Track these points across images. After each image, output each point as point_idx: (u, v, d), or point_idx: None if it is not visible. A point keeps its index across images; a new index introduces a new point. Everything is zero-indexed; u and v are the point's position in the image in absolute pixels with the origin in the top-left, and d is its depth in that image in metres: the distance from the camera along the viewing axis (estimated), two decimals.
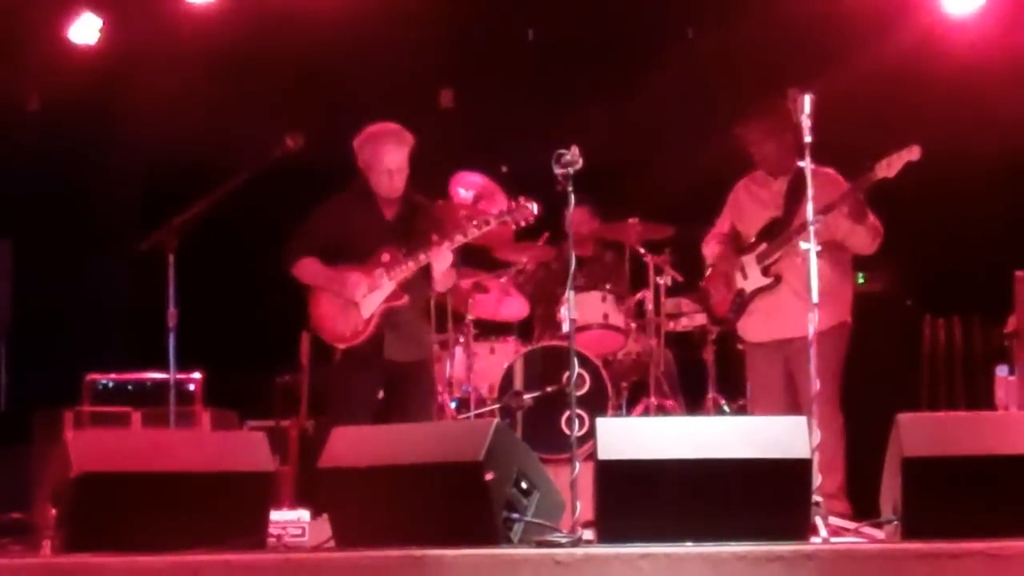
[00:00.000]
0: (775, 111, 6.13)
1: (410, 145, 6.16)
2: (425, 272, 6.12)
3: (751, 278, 6.24)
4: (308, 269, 6.18)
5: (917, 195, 7.92)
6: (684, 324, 7.90)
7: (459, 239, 6.09)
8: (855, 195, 5.79)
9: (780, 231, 6.12)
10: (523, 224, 6.20)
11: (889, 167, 5.56)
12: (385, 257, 6.10)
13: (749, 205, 6.35)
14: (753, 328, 6.29)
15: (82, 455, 4.49)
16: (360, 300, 6.08)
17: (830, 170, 6.01)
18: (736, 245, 6.34)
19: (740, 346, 7.13)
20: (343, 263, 6.14)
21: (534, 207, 6.11)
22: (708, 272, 6.52)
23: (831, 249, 5.95)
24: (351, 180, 6.36)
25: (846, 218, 5.87)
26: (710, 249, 6.49)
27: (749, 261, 6.25)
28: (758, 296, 6.22)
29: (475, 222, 6.14)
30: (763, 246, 6.20)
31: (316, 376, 7.59)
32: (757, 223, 6.26)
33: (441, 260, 6.06)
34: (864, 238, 6.01)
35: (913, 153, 5.50)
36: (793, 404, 6.06)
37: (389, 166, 6.12)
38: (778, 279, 6.14)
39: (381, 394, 6.30)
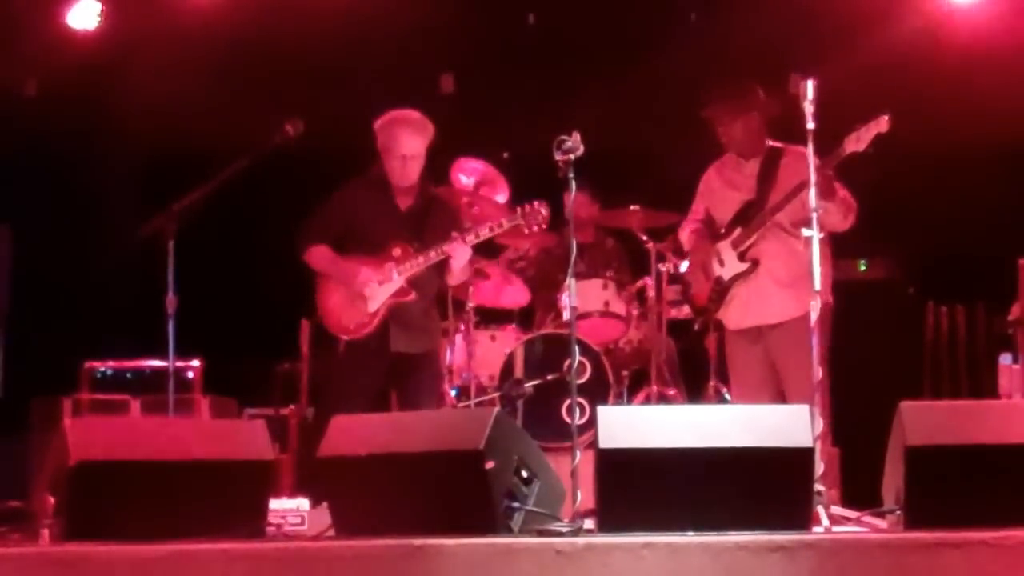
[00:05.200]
0: (740, 92, 6.06)
1: (429, 135, 6.16)
2: (438, 266, 6.11)
3: (728, 265, 6.12)
4: (320, 257, 6.17)
5: (920, 182, 7.92)
6: (686, 312, 7.86)
7: (480, 235, 6.08)
8: (823, 171, 5.55)
9: (754, 214, 6.01)
10: (535, 229, 6.17)
11: (859, 140, 5.40)
12: (396, 251, 6.09)
13: (722, 190, 6.24)
14: (732, 315, 6.18)
15: (80, 443, 4.47)
16: (368, 293, 6.06)
17: (804, 149, 5.89)
18: (711, 232, 6.23)
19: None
20: (353, 251, 6.13)
21: (545, 211, 6.08)
22: (687, 262, 6.45)
23: (805, 228, 5.89)
24: (352, 168, 6.34)
25: (817, 195, 5.77)
26: (686, 236, 6.39)
27: (725, 247, 6.13)
28: (736, 283, 6.11)
29: (489, 225, 6.14)
30: (738, 231, 6.09)
31: (317, 364, 7.57)
32: (731, 208, 6.15)
33: (461, 255, 6.05)
34: (835, 215, 5.79)
35: (882, 124, 5.33)
36: (776, 392, 5.97)
37: (404, 151, 6.11)
38: (755, 264, 6.03)
39: (384, 386, 6.29)
